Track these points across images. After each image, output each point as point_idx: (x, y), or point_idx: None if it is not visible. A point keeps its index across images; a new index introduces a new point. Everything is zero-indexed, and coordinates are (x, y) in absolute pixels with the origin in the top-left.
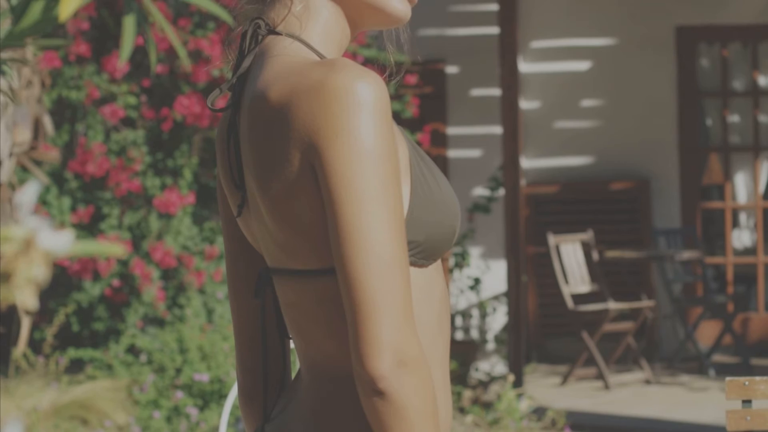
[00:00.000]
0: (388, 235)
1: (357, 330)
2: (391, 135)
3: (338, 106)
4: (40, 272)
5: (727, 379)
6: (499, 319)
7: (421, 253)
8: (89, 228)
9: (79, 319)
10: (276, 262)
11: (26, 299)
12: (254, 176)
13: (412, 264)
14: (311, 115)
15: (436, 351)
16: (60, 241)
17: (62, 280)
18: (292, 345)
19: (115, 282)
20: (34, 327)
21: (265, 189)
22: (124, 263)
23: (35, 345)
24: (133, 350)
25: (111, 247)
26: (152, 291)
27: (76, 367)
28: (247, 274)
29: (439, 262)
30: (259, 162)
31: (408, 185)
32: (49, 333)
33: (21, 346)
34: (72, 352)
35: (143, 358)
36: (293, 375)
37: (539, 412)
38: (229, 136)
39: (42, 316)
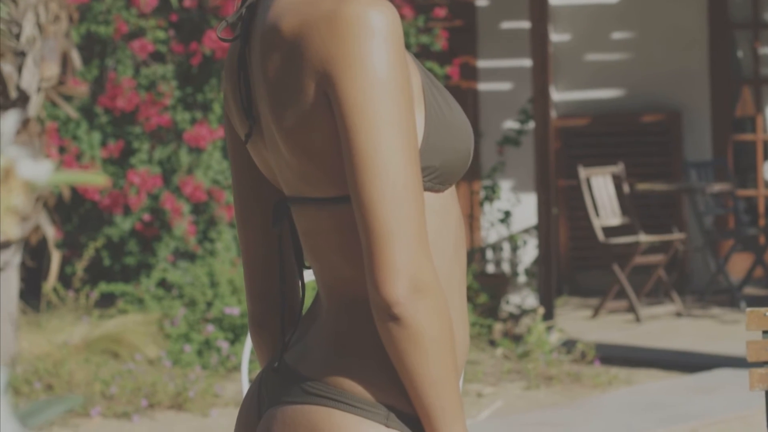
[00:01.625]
0: (402, 162)
1: (372, 256)
2: (404, 62)
3: (351, 34)
4: (20, 201)
5: (747, 309)
6: (529, 252)
7: (437, 178)
8: (119, 162)
9: (111, 253)
10: (293, 190)
11: (7, 228)
12: (268, 107)
13: (429, 189)
14: (324, 44)
15: (453, 276)
16: (40, 171)
17: (93, 214)
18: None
19: (146, 216)
20: (65, 262)
21: (280, 119)
22: (154, 198)
23: (66, 280)
24: (164, 284)
25: (92, 177)
26: (183, 225)
27: (107, 301)
28: (256, 203)
29: (453, 188)
30: (273, 93)
31: (422, 111)
32: (79, 267)
33: (51, 281)
34: (103, 287)
35: (174, 292)
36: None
37: (569, 344)
38: (239, 67)
39: (73, 251)
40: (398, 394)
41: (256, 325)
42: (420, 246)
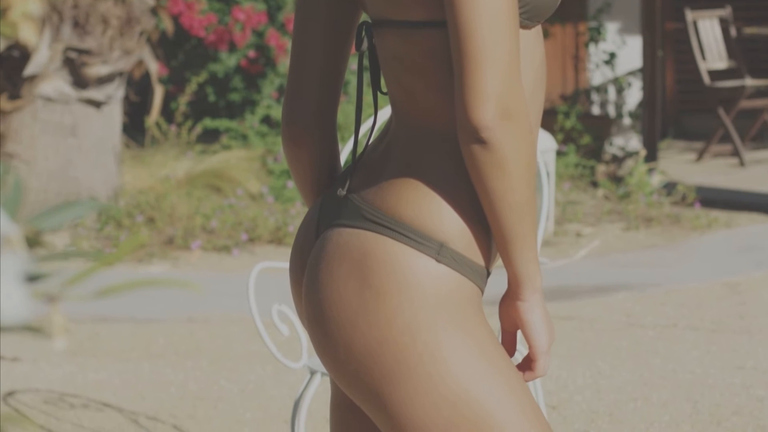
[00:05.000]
0: None
1: (463, 80)
2: None
3: None
4: (36, 8)
5: None
6: (634, 94)
7: (526, 13)
8: (225, 0)
9: (215, 90)
10: (380, 14)
11: (25, 34)
12: None
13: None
14: None
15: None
16: None
17: (199, 51)
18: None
19: (251, 53)
20: (170, 98)
21: None
22: (259, 34)
23: (171, 115)
24: (268, 120)
25: None
26: (287, 62)
27: (210, 137)
28: (326, 18)
29: (539, 29)
30: None
31: None
32: (182, 101)
33: (153, 115)
34: (208, 122)
35: (278, 128)
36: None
37: (670, 187)
38: None
39: (178, 87)
40: (453, 231)
41: (293, 144)
42: (511, 72)
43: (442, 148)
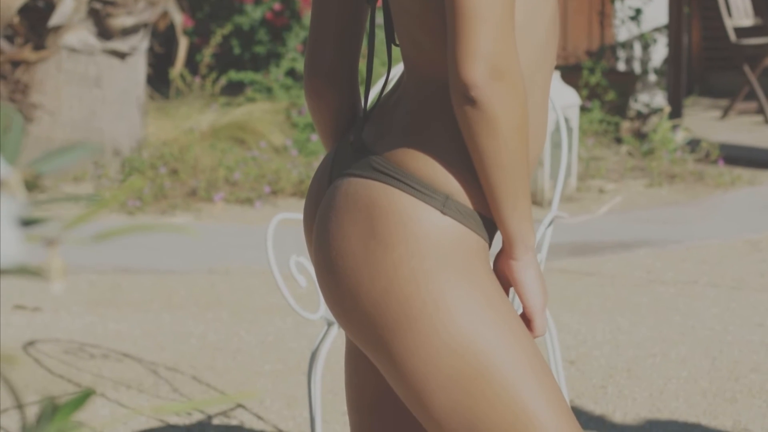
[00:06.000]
0: None
1: (455, 38)
2: None
3: None
4: None
5: None
6: (660, 51)
7: None
8: None
9: (241, 42)
10: None
11: None
12: None
13: None
14: None
15: (538, 75)
16: None
17: (224, 3)
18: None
19: (277, 6)
20: (196, 50)
21: None
22: None
23: (196, 68)
24: (292, 73)
25: None
26: None
27: (235, 89)
28: None
29: None
30: None
31: None
32: (206, 53)
33: (178, 66)
34: (233, 75)
35: (302, 81)
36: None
37: (694, 143)
38: None
39: (203, 39)
40: (459, 184)
41: (314, 95)
42: (504, 32)
43: (449, 103)
